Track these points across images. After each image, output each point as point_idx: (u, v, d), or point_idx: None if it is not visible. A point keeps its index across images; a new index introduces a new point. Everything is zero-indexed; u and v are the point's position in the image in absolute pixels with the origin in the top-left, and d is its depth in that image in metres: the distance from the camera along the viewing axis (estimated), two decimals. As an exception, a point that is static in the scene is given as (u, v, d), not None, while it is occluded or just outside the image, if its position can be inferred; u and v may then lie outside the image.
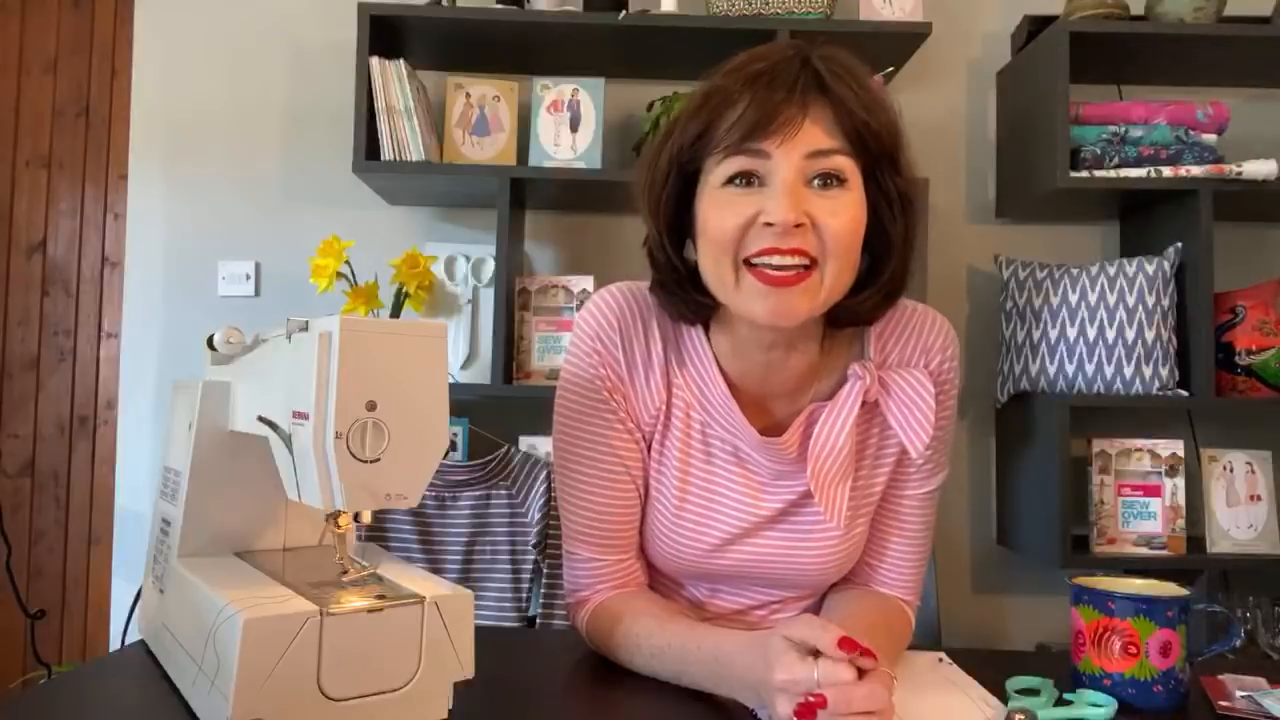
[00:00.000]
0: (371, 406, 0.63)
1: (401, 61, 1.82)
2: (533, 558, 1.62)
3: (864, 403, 0.86)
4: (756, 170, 0.78)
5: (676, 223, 0.85)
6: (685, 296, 0.86)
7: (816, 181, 0.77)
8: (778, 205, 0.75)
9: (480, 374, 1.92)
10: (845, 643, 0.65)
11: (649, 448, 0.92)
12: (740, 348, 0.88)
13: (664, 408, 0.91)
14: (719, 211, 0.79)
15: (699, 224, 0.82)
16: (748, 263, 0.78)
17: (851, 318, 0.86)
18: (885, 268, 0.84)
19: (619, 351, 0.90)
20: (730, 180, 0.79)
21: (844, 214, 0.77)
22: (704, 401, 0.90)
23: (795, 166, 0.76)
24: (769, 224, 0.75)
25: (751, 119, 0.76)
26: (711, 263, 0.80)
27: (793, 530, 0.91)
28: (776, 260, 0.76)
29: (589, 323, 0.91)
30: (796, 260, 0.76)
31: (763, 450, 0.88)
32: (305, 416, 0.63)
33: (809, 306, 0.78)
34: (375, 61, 1.81)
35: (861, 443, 0.91)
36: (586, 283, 1.89)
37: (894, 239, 0.82)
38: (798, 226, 0.75)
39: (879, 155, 0.79)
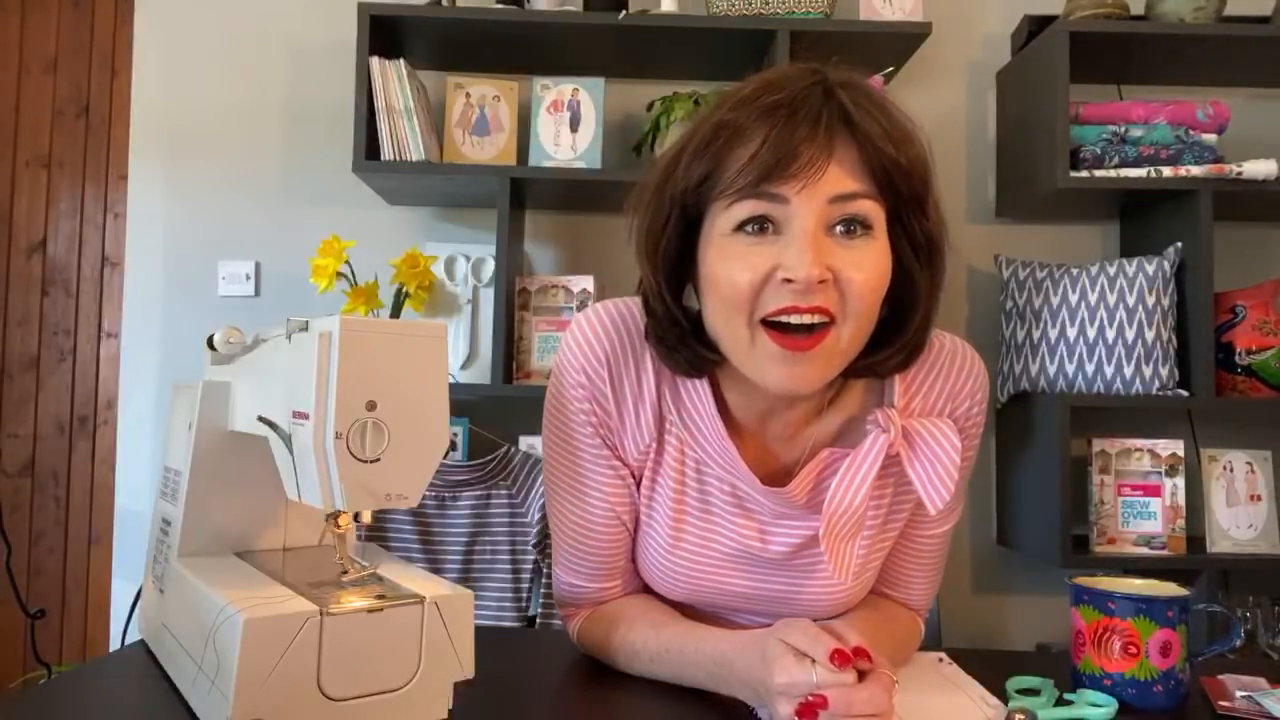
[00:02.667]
0: (371, 406, 0.62)
1: (401, 61, 1.82)
2: (533, 558, 1.62)
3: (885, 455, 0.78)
4: (772, 216, 0.70)
5: (677, 268, 0.77)
6: (688, 352, 0.78)
7: (839, 228, 0.70)
8: (799, 260, 0.67)
9: (480, 374, 1.92)
10: (838, 656, 0.64)
11: (639, 483, 0.85)
12: (745, 391, 0.81)
13: (655, 444, 0.83)
14: (730, 265, 0.71)
15: (705, 276, 0.74)
16: (764, 322, 0.71)
17: (866, 373, 0.79)
18: (910, 322, 0.76)
19: (607, 387, 0.82)
20: (740, 226, 0.71)
21: (869, 267, 0.70)
22: (701, 441, 0.82)
23: (816, 213, 0.69)
24: (788, 280, 0.68)
25: (769, 159, 0.68)
26: (722, 321, 0.73)
27: (797, 573, 0.85)
28: (794, 320, 0.69)
29: (576, 353, 0.82)
30: (816, 320, 0.69)
31: (767, 496, 0.82)
32: (305, 416, 0.63)
33: (825, 373, 0.72)
34: (375, 61, 1.81)
35: (878, 493, 0.84)
36: (586, 283, 1.89)
37: (920, 290, 0.75)
38: (820, 282, 0.68)
39: (908, 197, 0.72)
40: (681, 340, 0.78)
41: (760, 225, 0.71)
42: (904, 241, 0.74)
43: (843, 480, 0.77)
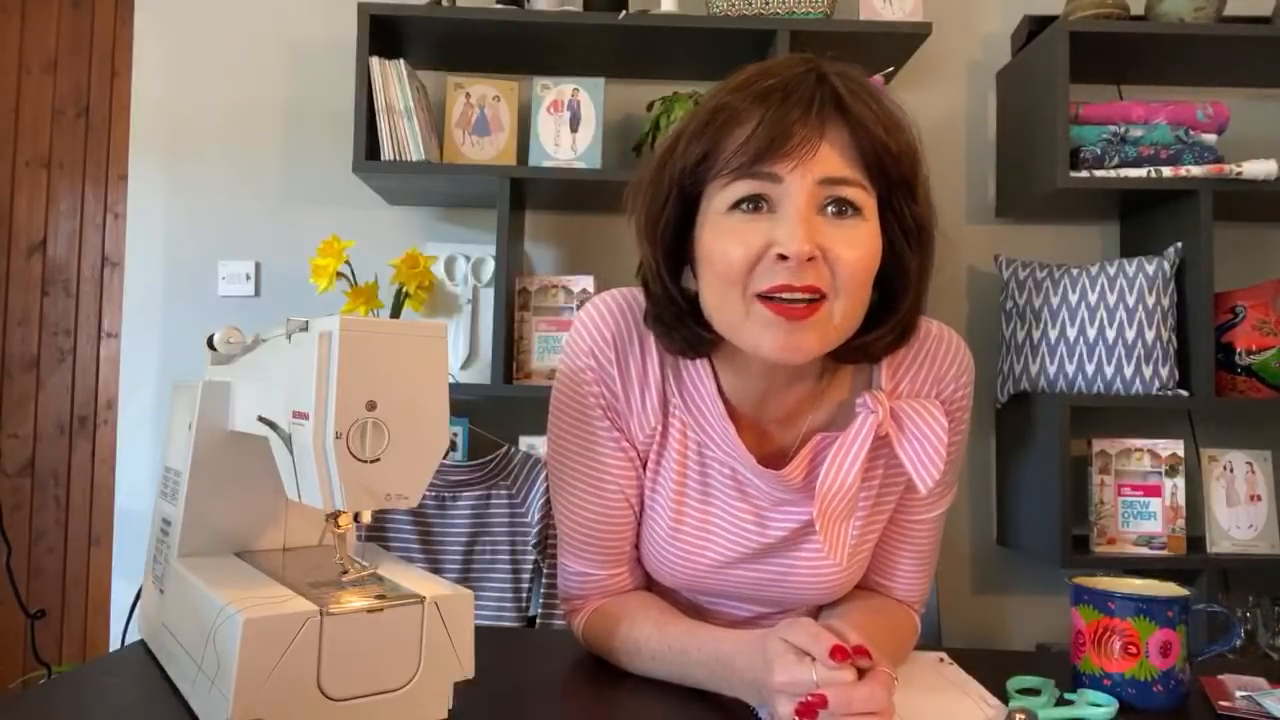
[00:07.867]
0: (371, 406, 0.63)
1: (401, 61, 1.82)
2: (533, 558, 1.62)
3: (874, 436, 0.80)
4: (766, 194, 0.72)
5: (675, 249, 0.79)
6: (685, 331, 0.80)
7: (830, 208, 0.72)
8: (791, 236, 0.70)
9: (480, 374, 1.92)
10: (838, 652, 0.64)
11: (644, 465, 0.88)
12: (740, 373, 0.84)
13: (660, 427, 0.86)
14: (724, 241, 0.73)
15: (701, 253, 0.76)
16: (758, 297, 0.73)
17: (859, 355, 0.81)
18: (900, 304, 0.78)
19: (614, 368, 0.85)
20: (736, 205, 0.73)
21: (860, 246, 0.72)
22: (702, 423, 0.85)
23: (808, 192, 0.71)
24: (782, 256, 0.70)
25: (763, 139, 0.71)
26: (717, 296, 0.75)
27: (793, 558, 0.87)
28: (787, 297, 0.71)
29: (583, 336, 0.86)
30: (808, 297, 0.71)
31: (764, 479, 0.84)
32: (305, 416, 0.63)
33: (820, 343, 0.74)
34: (375, 61, 1.81)
35: (869, 474, 0.86)
36: (586, 283, 1.89)
37: (910, 273, 0.77)
38: (810, 259, 0.70)
39: (897, 181, 0.75)
40: (679, 319, 0.80)
41: (755, 204, 0.73)
42: (894, 226, 0.76)
43: (834, 461, 0.80)
